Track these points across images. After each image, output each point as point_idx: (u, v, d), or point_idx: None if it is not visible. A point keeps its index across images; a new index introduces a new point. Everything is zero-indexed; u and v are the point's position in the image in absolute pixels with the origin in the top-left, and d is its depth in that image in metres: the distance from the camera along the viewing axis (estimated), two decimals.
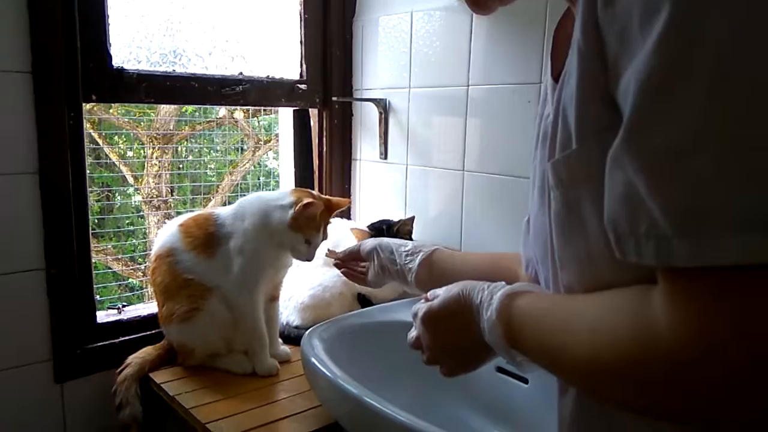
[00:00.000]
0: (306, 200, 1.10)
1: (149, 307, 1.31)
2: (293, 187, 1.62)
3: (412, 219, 1.36)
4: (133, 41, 1.27)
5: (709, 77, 0.35)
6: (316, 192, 1.23)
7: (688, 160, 0.36)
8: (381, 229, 1.34)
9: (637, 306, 0.42)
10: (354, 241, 1.26)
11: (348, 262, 1.08)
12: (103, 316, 1.26)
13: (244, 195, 1.24)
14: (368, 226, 1.36)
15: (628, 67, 0.39)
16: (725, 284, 0.36)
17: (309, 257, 1.14)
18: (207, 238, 1.16)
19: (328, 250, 1.11)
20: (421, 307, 0.67)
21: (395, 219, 1.38)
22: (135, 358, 1.16)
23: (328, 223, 1.16)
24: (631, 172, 0.39)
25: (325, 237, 1.16)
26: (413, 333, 0.69)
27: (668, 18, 0.36)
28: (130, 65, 1.25)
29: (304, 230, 1.11)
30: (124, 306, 1.32)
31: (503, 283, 0.61)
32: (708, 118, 0.35)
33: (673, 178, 0.37)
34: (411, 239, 1.35)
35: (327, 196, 1.21)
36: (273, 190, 2.37)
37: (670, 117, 0.36)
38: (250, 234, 1.13)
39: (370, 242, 1.04)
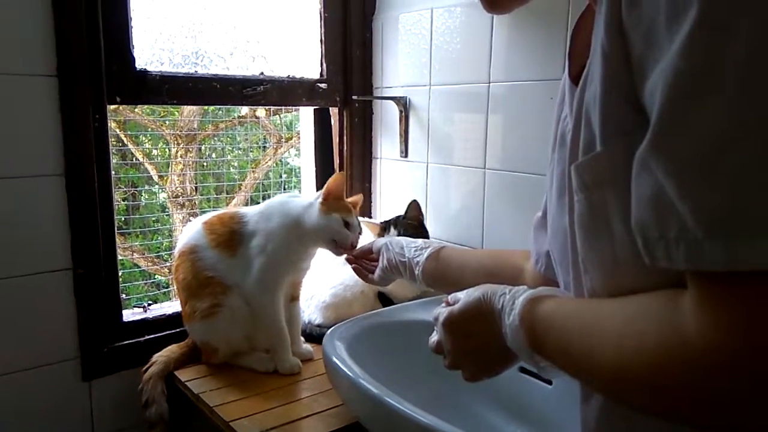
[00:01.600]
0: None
1: (173, 306, 1.33)
2: (314, 186, 1.63)
3: (415, 203, 1.35)
4: (156, 43, 1.29)
5: (739, 77, 0.34)
6: None
7: (719, 161, 0.35)
8: (389, 221, 1.35)
9: (666, 311, 0.41)
10: (371, 237, 1.27)
11: (360, 259, 1.10)
12: (128, 315, 1.28)
13: (267, 193, 1.26)
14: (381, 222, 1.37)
15: (654, 67, 0.39)
16: (758, 289, 0.35)
17: (354, 241, 1.13)
18: (230, 235, 1.16)
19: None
20: (442, 311, 0.67)
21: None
22: (160, 357, 1.18)
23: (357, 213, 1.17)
24: (660, 174, 0.38)
25: (360, 230, 1.16)
26: (434, 337, 0.69)
27: (697, 17, 0.35)
28: (153, 67, 1.26)
29: (337, 209, 1.12)
30: (149, 304, 1.34)
31: (525, 287, 0.60)
32: (739, 118, 0.34)
33: (704, 180, 0.36)
34: (423, 224, 1.35)
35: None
36: (295, 188, 2.39)
37: (700, 117, 0.35)
38: (277, 234, 1.14)
39: (383, 239, 1.07)
